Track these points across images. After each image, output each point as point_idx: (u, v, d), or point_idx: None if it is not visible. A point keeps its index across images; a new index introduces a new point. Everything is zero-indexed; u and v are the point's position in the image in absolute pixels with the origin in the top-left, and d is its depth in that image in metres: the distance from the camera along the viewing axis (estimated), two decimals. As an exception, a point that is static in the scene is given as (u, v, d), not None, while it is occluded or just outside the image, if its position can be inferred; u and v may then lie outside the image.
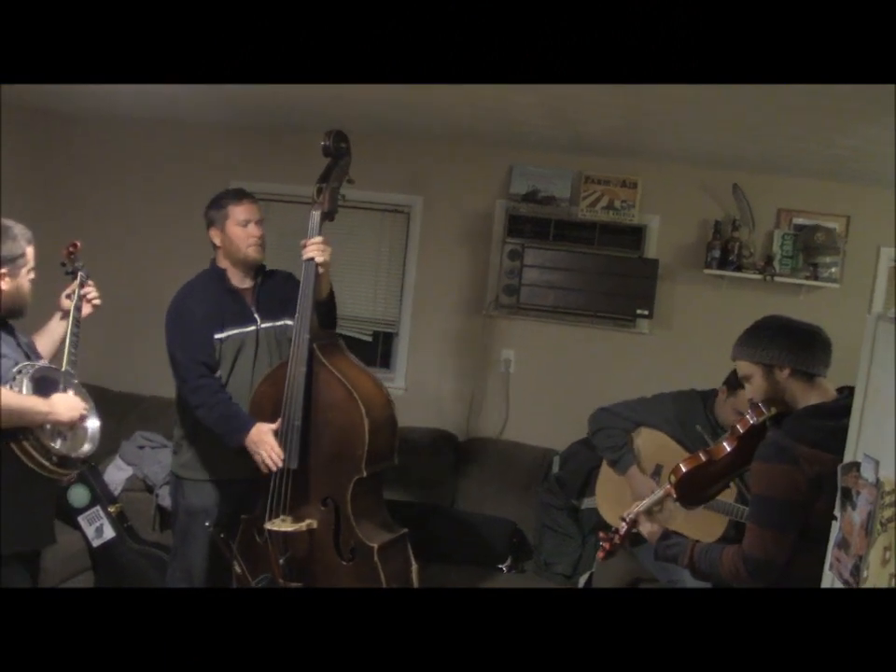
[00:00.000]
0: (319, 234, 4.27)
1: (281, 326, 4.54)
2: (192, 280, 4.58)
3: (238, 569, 4.30)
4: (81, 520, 5.25)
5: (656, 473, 4.69)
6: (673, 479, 3.45)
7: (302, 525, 4.22)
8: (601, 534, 3.64)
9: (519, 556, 5.52)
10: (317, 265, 4.24)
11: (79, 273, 3.97)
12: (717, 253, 5.69)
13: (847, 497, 3.38)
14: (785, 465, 3.04)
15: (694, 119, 4.33)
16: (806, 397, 3.19)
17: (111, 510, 5.30)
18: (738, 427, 3.35)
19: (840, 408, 3.03)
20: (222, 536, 4.26)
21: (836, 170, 5.19)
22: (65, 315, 3.91)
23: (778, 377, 3.20)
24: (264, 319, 4.50)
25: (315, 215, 4.28)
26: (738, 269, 5.68)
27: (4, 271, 3.55)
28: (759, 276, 5.64)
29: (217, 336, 4.39)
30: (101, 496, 5.30)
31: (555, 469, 5.52)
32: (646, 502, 3.57)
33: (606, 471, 4.99)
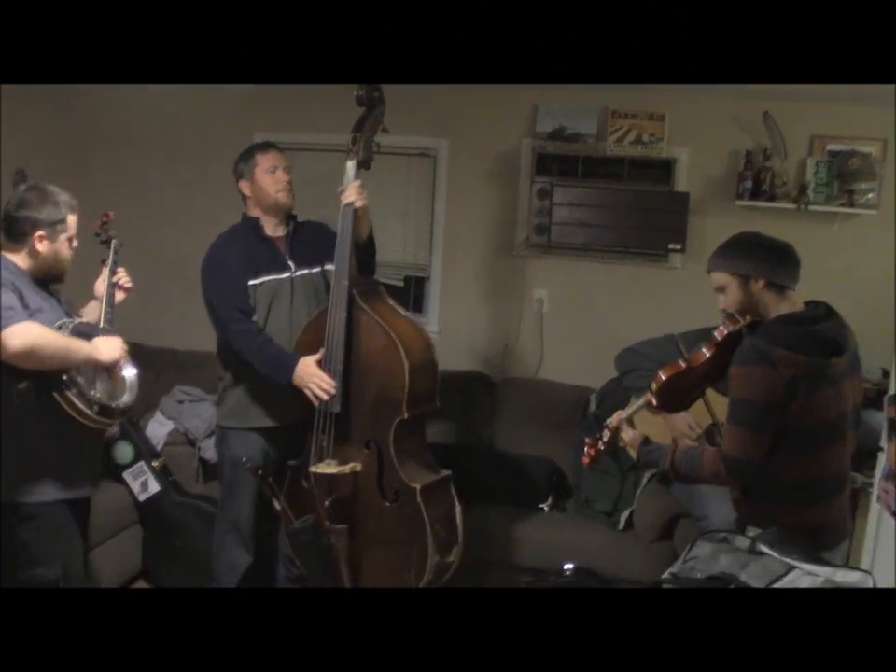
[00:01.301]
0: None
1: (316, 273, 4.56)
2: (225, 232, 4.63)
3: (279, 507, 4.33)
4: (126, 475, 5.29)
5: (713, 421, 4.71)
6: (654, 386, 3.62)
7: (346, 468, 4.27)
8: (587, 440, 3.83)
9: (559, 495, 5.53)
10: (357, 209, 4.26)
11: (113, 241, 4.05)
12: (749, 184, 5.62)
13: (894, 428, 3.46)
14: (762, 367, 3.24)
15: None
16: (777, 307, 3.38)
17: (155, 464, 5.34)
18: (716, 334, 3.51)
19: (810, 317, 3.38)
20: (260, 472, 4.29)
21: (870, 93, 5.09)
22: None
23: (753, 288, 3.37)
24: (298, 266, 4.53)
25: (351, 164, 4.30)
26: (771, 199, 5.61)
27: (42, 233, 3.66)
28: (792, 206, 5.57)
29: (252, 282, 4.42)
30: (144, 451, 5.34)
31: (593, 407, 5.52)
32: (628, 410, 3.77)
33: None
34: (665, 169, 5.78)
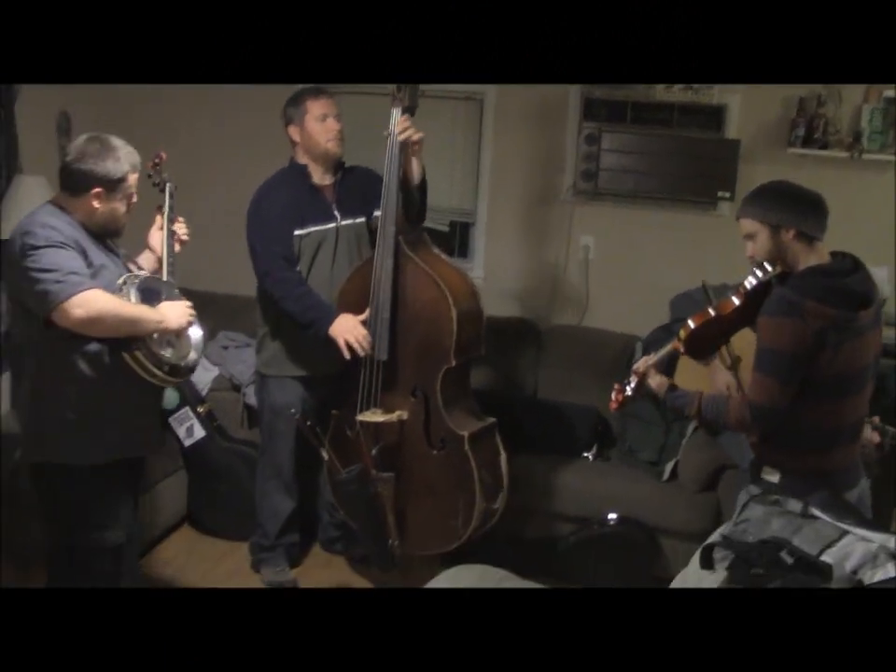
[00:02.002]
0: None
1: (361, 223, 4.55)
2: (272, 177, 4.63)
3: (327, 456, 4.35)
4: (172, 421, 5.30)
5: (733, 366, 4.67)
6: (683, 334, 3.65)
7: (393, 416, 4.30)
8: (615, 385, 3.88)
9: (604, 444, 5.51)
10: (412, 144, 4.26)
11: (167, 185, 3.95)
12: (801, 131, 5.50)
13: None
14: (791, 318, 3.28)
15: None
16: (806, 258, 3.40)
17: (200, 410, 5.35)
18: (745, 284, 3.49)
19: (839, 269, 3.41)
20: (309, 423, 4.30)
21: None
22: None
23: (783, 238, 3.39)
24: (344, 216, 4.53)
25: (396, 111, 4.28)
26: (824, 147, 5.49)
27: (100, 190, 3.54)
28: (846, 154, 5.44)
29: (297, 232, 4.42)
30: (189, 397, 5.35)
31: (638, 355, 5.47)
32: (655, 356, 3.83)
33: (684, 360, 4.97)
34: (715, 115, 5.68)
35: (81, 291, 3.36)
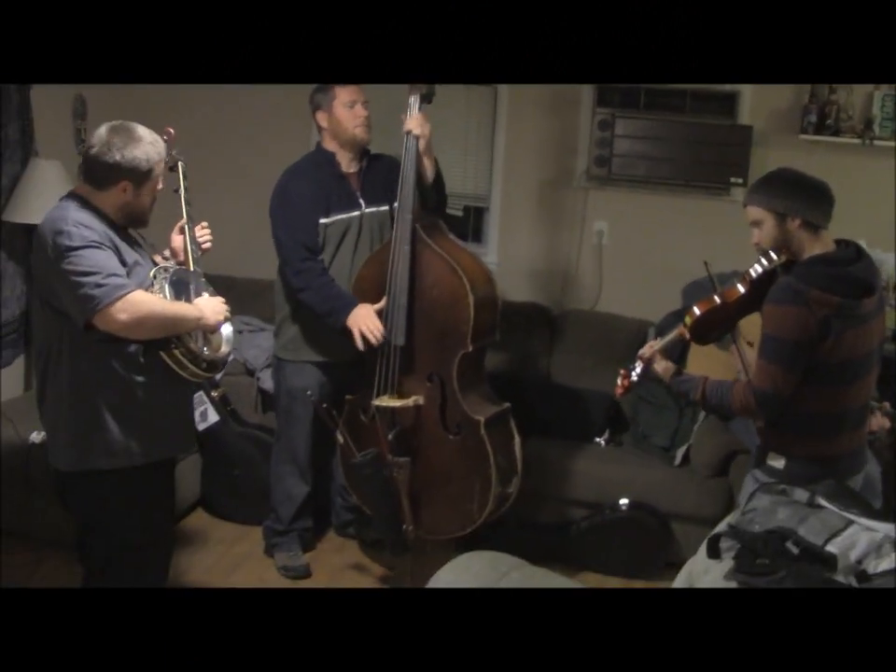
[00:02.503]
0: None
1: (384, 211, 4.58)
2: (298, 162, 4.65)
3: (342, 440, 4.37)
4: (186, 406, 5.32)
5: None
6: (688, 321, 3.68)
7: (409, 401, 4.32)
8: (621, 371, 3.87)
9: (616, 429, 5.53)
10: (416, 138, 4.28)
11: (179, 163, 3.82)
12: (813, 117, 5.52)
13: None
14: (796, 306, 3.33)
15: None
16: (812, 246, 3.44)
17: (214, 394, 5.35)
18: (751, 271, 3.56)
19: (843, 258, 3.45)
20: (325, 406, 4.33)
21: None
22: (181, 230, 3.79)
23: (789, 226, 3.43)
24: (369, 204, 4.56)
25: (414, 98, 4.33)
26: (836, 133, 5.51)
27: (127, 183, 3.42)
28: (857, 140, 5.47)
29: (323, 221, 4.44)
30: (203, 381, 5.35)
31: (651, 340, 5.49)
32: (661, 341, 3.84)
33: (697, 346, 5.00)
34: (728, 102, 5.70)
35: (125, 294, 3.28)
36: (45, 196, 4.78)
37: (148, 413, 3.53)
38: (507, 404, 4.53)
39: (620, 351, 5.63)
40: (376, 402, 4.34)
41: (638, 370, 3.81)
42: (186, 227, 3.74)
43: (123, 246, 3.45)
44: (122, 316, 3.27)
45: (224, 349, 3.71)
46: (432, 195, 4.47)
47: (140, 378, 3.47)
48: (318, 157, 4.63)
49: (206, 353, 3.56)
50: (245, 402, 5.64)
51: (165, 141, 3.70)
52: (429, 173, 4.42)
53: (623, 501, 4.99)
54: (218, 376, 5.56)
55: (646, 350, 3.83)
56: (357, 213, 4.56)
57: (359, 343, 4.32)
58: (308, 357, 4.65)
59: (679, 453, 5.22)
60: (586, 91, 5.91)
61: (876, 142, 5.46)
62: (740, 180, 5.60)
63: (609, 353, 5.69)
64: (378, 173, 4.63)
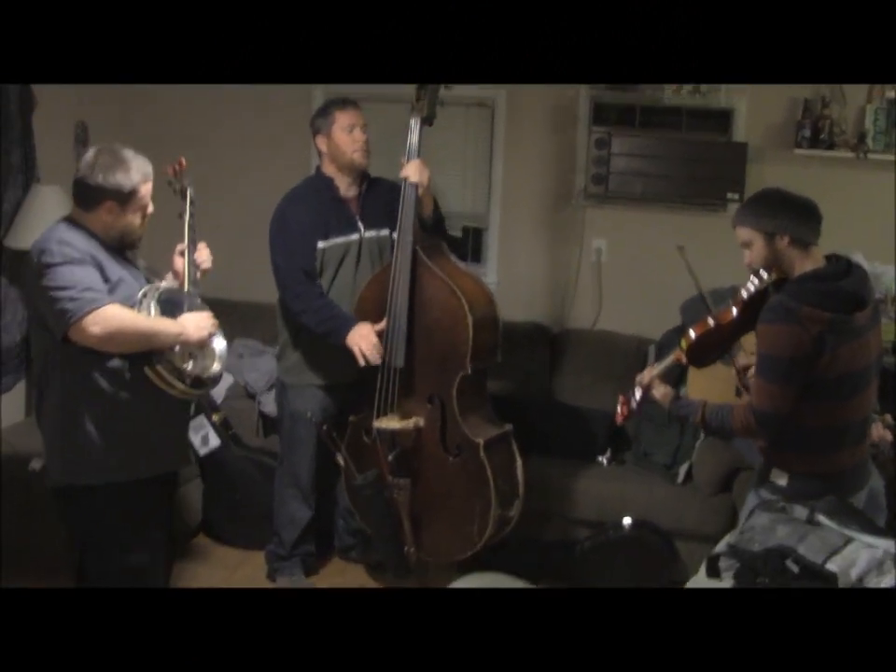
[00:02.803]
0: (419, 139, 4.38)
1: (384, 235, 4.60)
2: (297, 187, 4.68)
3: (343, 462, 4.38)
4: (188, 429, 5.32)
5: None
6: (684, 344, 3.69)
7: (409, 423, 4.33)
8: (620, 397, 3.89)
9: (618, 448, 5.52)
10: (415, 185, 4.32)
11: (188, 191, 3.86)
12: (807, 132, 5.54)
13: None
14: (789, 325, 3.33)
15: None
16: (802, 264, 3.46)
17: (215, 418, 5.35)
18: (742, 292, 3.59)
19: (834, 272, 3.46)
20: (325, 427, 4.34)
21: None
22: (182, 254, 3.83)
23: (778, 245, 3.45)
24: (368, 228, 4.58)
25: (415, 121, 4.37)
26: (830, 147, 5.53)
27: (111, 205, 3.49)
28: (851, 154, 5.48)
29: (321, 245, 4.46)
30: (204, 404, 5.34)
31: (651, 358, 5.49)
32: (659, 367, 3.85)
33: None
34: (722, 118, 5.72)
35: (97, 308, 3.34)
36: (46, 222, 4.68)
37: (136, 429, 3.56)
38: (508, 426, 4.53)
39: (620, 369, 5.62)
40: (377, 424, 4.35)
41: (638, 396, 3.82)
42: (186, 250, 3.77)
43: (108, 264, 3.50)
44: (94, 329, 3.34)
45: (216, 366, 3.73)
46: (431, 227, 4.52)
47: (126, 394, 3.51)
48: (317, 181, 4.65)
49: (191, 369, 3.58)
50: (246, 426, 5.62)
51: (177, 170, 3.84)
52: (428, 214, 4.48)
53: (626, 520, 4.98)
54: (220, 400, 5.59)
55: (644, 376, 3.83)
56: (355, 237, 4.58)
57: (360, 361, 4.33)
58: (310, 380, 4.66)
59: (682, 470, 5.21)
60: (582, 110, 5.93)
61: (870, 155, 5.48)
62: (737, 196, 5.60)
63: (609, 371, 5.68)
64: (378, 197, 4.65)
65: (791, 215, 3.45)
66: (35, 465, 4.75)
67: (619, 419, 3.90)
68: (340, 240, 4.54)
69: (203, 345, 3.66)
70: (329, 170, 4.61)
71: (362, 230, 4.60)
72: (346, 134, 4.52)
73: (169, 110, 6.43)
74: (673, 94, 5.74)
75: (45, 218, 4.93)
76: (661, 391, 3.77)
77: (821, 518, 3.17)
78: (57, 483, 3.62)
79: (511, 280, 6.17)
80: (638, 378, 3.85)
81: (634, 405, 3.83)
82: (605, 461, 5.45)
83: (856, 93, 5.53)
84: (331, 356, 4.51)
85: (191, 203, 3.86)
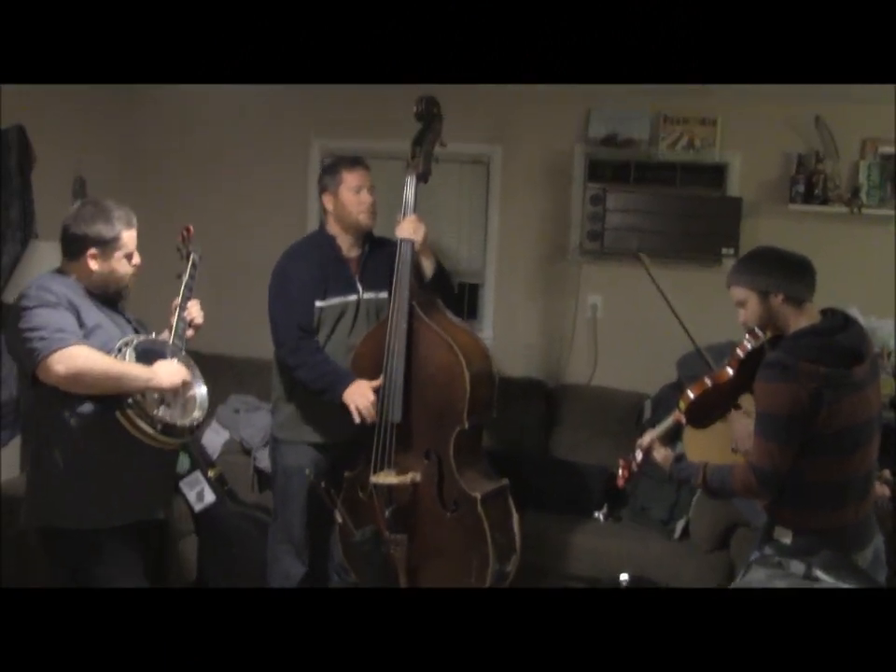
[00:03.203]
0: (415, 196, 4.39)
1: (383, 298, 4.60)
2: (299, 243, 4.70)
3: (340, 519, 4.37)
4: (182, 485, 5.30)
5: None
6: (682, 405, 3.71)
7: (406, 478, 4.31)
8: (621, 461, 3.86)
9: (614, 503, 5.51)
10: (412, 242, 4.34)
11: (192, 256, 3.94)
12: (801, 187, 5.59)
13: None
14: (786, 382, 3.30)
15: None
16: (797, 320, 3.43)
17: (210, 474, 5.35)
18: (738, 351, 3.59)
19: (829, 327, 3.44)
20: (323, 485, 4.33)
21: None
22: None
23: (772, 302, 3.43)
24: (367, 290, 4.59)
25: (411, 178, 4.40)
26: (824, 202, 5.57)
27: (94, 251, 3.59)
28: (845, 209, 5.52)
29: (319, 303, 4.46)
30: (200, 460, 5.35)
31: (647, 414, 5.49)
32: (658, 429, 3.82)
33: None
34: (717, 174, 5.77)
35: (63, 347, 3.37)
36: None
37: (108, 475, 3.58)
38: (505, 481, 4.51)
39: (617, 424, 5.65)
40: (374, 479, 4.33)
41: (639, 459, 3.80)
42: (178, 306, 3.83)
43: (86, 309, 3.56)
44: (59, 368, 3.36)
45: (196, 414, 3.73)
46: (435, 288, 4.53)
47: (97, 438, 3.53)
48: (319, 239, 4.65)
49: (162, 415, 3.57)
50: (241, 482, 5.62)
51: (185, 236, 3.96)
52: (428, 270, 4.49)
53: (623, 576, 4.95)
54: (215, 455, 5.59)
55: (645, 439, 3.81)
56: (353, 297, 4.57)
57: (356, 418, 4.32)
58: (304, 437, 4.64)
59: (679, 526, 5.21)
60: (577, 167, 5.98)
61: (864, 210, 5.52)
62: (731, 251, 5.64)
63: (605, 426, 5.70)
64: (379, 260, 4.63)
65: (784, 272, 3.45)
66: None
67: (620, 482, 3.87)
68: (337, 300, 4.53)
69: (178, 393, 3.68)
70: (333, 229, 4.60)
71: (361, 291, 4.59)
72: (353, 195, 4.52)
73: (167, 166, 6.48)
74: (667, 150, 5.79)
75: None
76: (661, 453, 3.75)
77: (819, 573, 3.15)
78: (31, 524, 3.67)
79: (508, 335, 6.20)
80: (639, 441, 3.83)
81: (635, 467, 3.81)
82: (601, 517, 5.44)
83: (849, 148, 5.58)
84: (325, 413, 4.51)
85: (193, 265, 3.93)
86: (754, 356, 3.52)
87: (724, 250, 5.68)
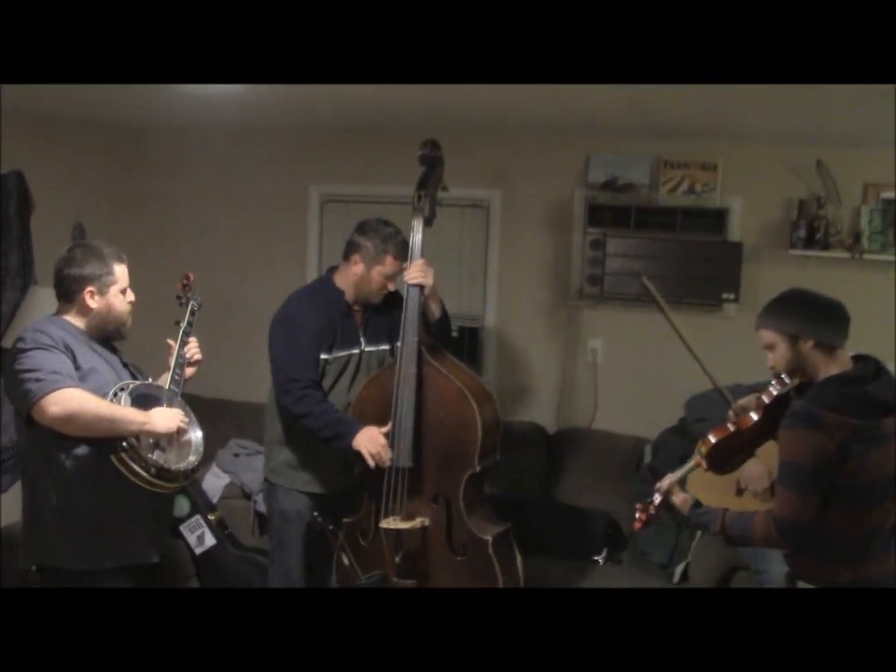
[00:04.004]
0: (422, 240, 4.40)
1: (384, 350, 4.64)
2: (306, 291, 4.67)
3: (346, 561, 4.36)
4: (183, 529, 5.30)
5: None
6: (703, 450, 3.62)
7: (416, 523, 4.31)
8: (638, 505, 3.77)
9: (614, 547, 5.49)
10: (421, 287, 4.36)
11: (191, 303, 4.04)
12: (802, 233, 5.58)
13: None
14: (811, 431, 3.21)
15: (774, 98, 4.27)
16: (827, 367, 3.34)
17: (211, 517, 5.36)
18: (763, 397, 3.50)
19: (860, 376, 3.33)
20: (331, 528, 4.31)
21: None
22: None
23: (802, 348, 3.34)
24: (369, 343, 4.61)
25: (417, 222, 4.41)
26: (825, 248, 5.56)
27: (91, 288, 3.65)
28: (847, 255, 5.52)
29: (324, 356, 4.44)
30: (200, 504, 5.36)
31: (647, 458, 5.49)
32: (678, 473, 3.71)
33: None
34: (718, 218, 5.77)
35: (57, 389, 3.40)
36: None
37: (101, 518, 3.60)
38: (508, 524, 4.52)
39: (617, 469, 5.65)
40: (383, 524, 4.31)
41: (657, 502, 3.72)
42: (175, 352, 3.88)
43: (82, 353, 3.61)
44: (53, 409, 3.39)
45: (191, 458, 3.76)
46: (438, 331, 4.55)
47: (91, 481, 3.56)
48: (328, 289, 4.59)
49: (156, 459, 3.59)
50: (242, 526, 5.62)
51: (185, 284, 4.06)
52: (435, 314, 4.51)
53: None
54: (216, 499, 5.57)
55: (664, 483, 3.71)
56: (356, 350, 4.57)
57: (370, 463, 4.28)
58: (297, 486, 4.61)
59: (678, 569, 5.19)
60: (577, 211, 6.00)
61: (866, 255, 5.52)
62: (732, 296, 5.65)
63: (605, 471, 5.71)
64: (382, 312, 4.64)
65: (814, 317, 3.36)
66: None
67: (637, 525, 3.78)
68: (342, 353, 4.52)
69: (172, 438, 3.70)
70: (344, 284, 4.56)
71: (363, 343, 4.59)
72: (384, 280, 4.50)
73: (166, 212, 6.49)
74: (667, 195, 5.81)
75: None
76: (680, 497, 3.66)
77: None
78: (28, 563, 3.71)
79: (507, 379, 6.20)
80: (658, 484, 3.73)
81: (652, 510, 3.73)
82: (601, 561, 5.42)
83: (851, 193, 5.59)
84: (318, 464, 4.54)
85: (192, 312, 4.02)
86: (779, 401, 3.44)
87: (725, 295, 5.68)
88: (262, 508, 5.52)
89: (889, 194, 5.50)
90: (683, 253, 5.75)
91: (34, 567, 3.69)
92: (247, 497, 5.70)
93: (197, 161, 6.46)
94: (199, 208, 6.47)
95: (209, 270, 6.16)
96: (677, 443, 5.18)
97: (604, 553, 5.42)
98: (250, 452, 5.87)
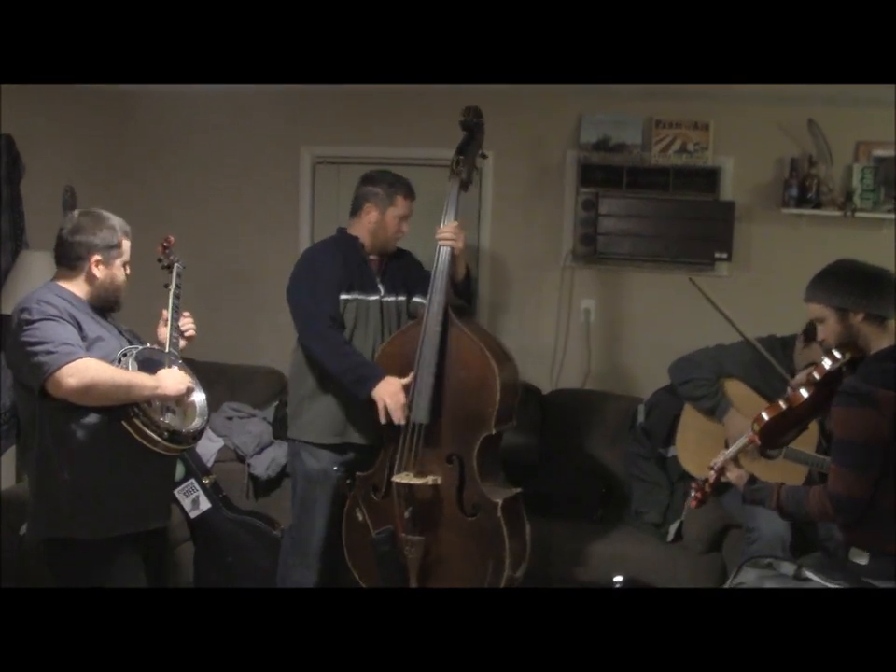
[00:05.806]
0: (457, 203, 4.46)
1: (402, 301, 4.65)
2: (323, 242, 4.75)
3: (360, 517, 4.41)
4: (178, 493, 5.26)
5: None
6: (756, 427, 3.56)
7: (428, 480, 4.32)
8: (693, 483, 3.77)
9: (609, 507, 5.51)
10: (452, 246, 4.40)
11: (175, 265, 4.03)
12: (794, 191, 5.60)
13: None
14: (864, 409, 3.16)
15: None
16: (879, 340, 3.30)
17: (205, 481, 5.33)
18: (815, 373, 3.44)
19: None
20: (348, 482, 4.41)
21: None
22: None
23: (852, 321, 3.32)
24: (387, 292, 4.61)
25: (454, 184, 4.47)
26: (817, 206, 5.59)
27: (98, 257, 3.63)
28: (839, 213, 5.55)
29: (344, 296, 4.46)
30: (194, 468, 5.32)
31: (640, 418, 5.50)
32: (732, 449, 3.68)
33: (685, 420, 5.05)
34: (710, 178, 5.78)
35: (73, 360, 3.38)
36: (35, 287, 4.77)
37: (114, 485, 3.58)
38: (518, 489, 4.52)
39: (610, 429, 5.66)
40: (395, 479, 4.32)
41: (712, 479, 3.69)
42: (169, 317, 3.87)
43: (87, 322, 3.59)
44: (71, 381, 3.37)
45: (197, 422, 3.75)
46: (461, 293, 4.56)
47: (103, 449, 3.54)
48: (344, 239, 4.65)
49: (169, 423, 3.60)
50: (236, 489, 5.58)
51: (166, 246, 4.05)
52: (460, 274, 4.52)
53: (618, 579, 4.94)
54: (210, 463, 5.55)
55: (719, 459, 3.68)
56: (375, 297, 4.58)
57: (382, 417, 4.29)
58: (327, 439, 4.58)
59: (672, 528, 5.21)
60: (570, 171, 5.99)
61: (858, 214, 5.54)
62: (724, 255, 5.67)
63: (599, 431, 5.71)
64: (397, 266, 4.70)
65: (863, 289, 3.30)
66: (25, 530, 4.68)
67: (693, 504, 3.79)
68: (361, 297, 4.53)
69: (180, 401, 3.71)
70: (358, 232, 4.61)
71: (382, 292, 4.60)
72: (398, 222, 4.59)
73: (157, 175, 6.43)
74: (659, 154, 5.81)
75: (34, 284, 4.89)
76: (735, 473, 3.64)
77: (808, 574, 3.17)
78: (37, 535, 3.67)
79: (500, 340, 6.14)
80: (713, 461, 3.70)
81: (707, 488, 3.71)
82: (596, 521, 5.43)
83: (843, 152, 5.61)
84: (350, 416, 4.54)
85: (178, 276, 4.01)
86: (831, 377, 3.39)
87: (717, 254, 5.71)
88: (256, 471, 5.55)
89: (880, 152, 5.53)
90: (676, 212, 5.77)
91: (23, 531, 3.67)
92: (241, 460, 5.67)
93: (186, 124, 6.38)
94: (189, 171, 6.40)
95: (200, 233, 6.16)
96: (669, 403, 5.20)
97: (598, 513, 5.45)
98: (243, 415, 5.84)
